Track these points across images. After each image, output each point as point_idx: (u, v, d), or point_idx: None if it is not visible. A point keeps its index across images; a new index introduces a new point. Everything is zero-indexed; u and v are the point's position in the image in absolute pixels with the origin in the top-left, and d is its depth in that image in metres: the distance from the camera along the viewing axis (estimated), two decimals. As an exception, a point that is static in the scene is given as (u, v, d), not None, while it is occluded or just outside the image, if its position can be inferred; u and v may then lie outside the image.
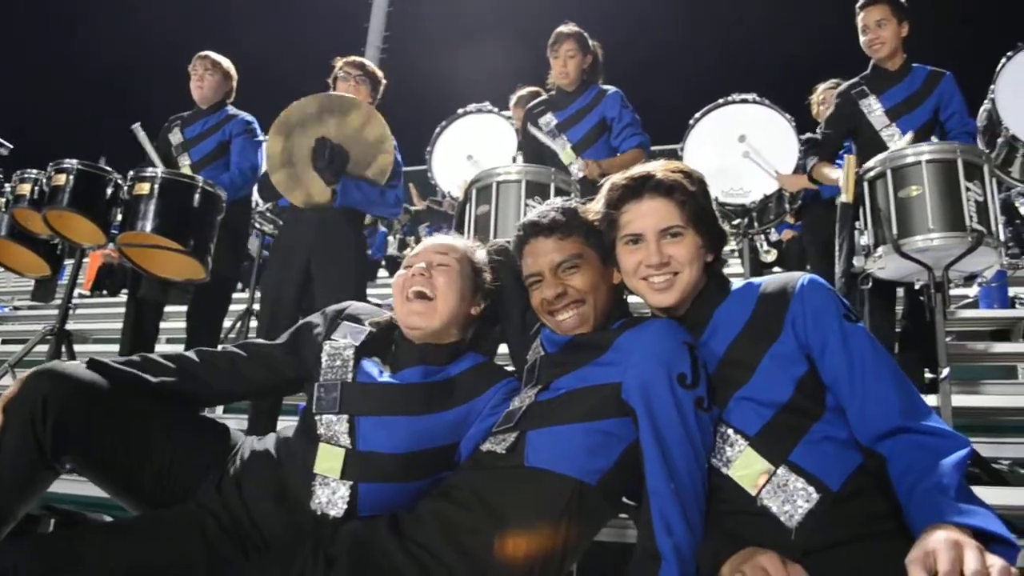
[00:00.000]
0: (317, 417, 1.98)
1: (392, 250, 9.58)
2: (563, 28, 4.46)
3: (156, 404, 1.96)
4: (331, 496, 1.88)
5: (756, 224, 5.33)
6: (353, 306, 2.23)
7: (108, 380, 1.88)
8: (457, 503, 1.74)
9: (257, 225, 6.20)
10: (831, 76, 5.58)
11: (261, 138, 4.84)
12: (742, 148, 4.94)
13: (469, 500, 1.73)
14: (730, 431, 1.67)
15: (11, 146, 4.99)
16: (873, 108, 4.17)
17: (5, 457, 1.74)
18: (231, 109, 4.93)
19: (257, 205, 5.79)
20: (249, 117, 4.89)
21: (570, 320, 1.92)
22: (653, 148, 4.64)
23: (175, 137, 4.87)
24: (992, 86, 4.66)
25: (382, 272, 9.45)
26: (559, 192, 3.68)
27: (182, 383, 2.03)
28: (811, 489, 1.55)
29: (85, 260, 4.68)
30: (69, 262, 4.73)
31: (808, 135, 4.77)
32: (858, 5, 4.23)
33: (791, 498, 1.56)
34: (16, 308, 9.53)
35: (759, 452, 1.62)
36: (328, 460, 1.91)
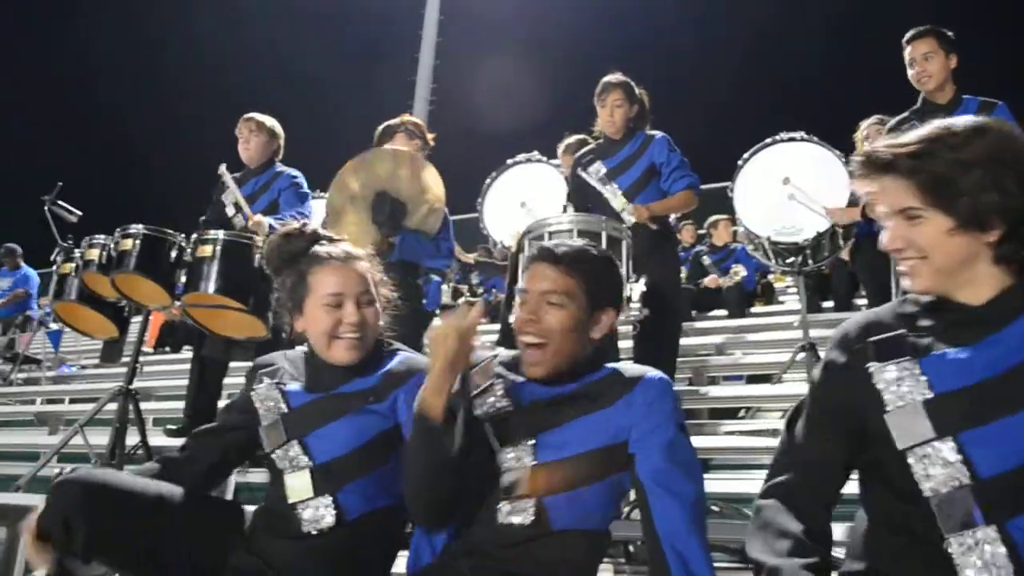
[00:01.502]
0: (272, 456, 2.09)
1: (446, 299, 9.65)
2: (610, 78, 4.50)
3: (165, 505, 2.05)
4: (315, 514, 2.00)
5: (811, 262, 5.29)
6: (261, 358, 2.32)
7: (117, 492, 1.98)
8: None
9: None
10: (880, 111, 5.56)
11: (307, 191, 4.95)
12: (788, 190, 4.93)
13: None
14: None
15: (80, 213, 5.17)
16: None
17: None
18: (279, 166, 5.03)
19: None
20: (295, 172, 4.98)
21: (531, 355, 1.90)
22: (704, 187, 4.65)
23: (228, 197, 5.00)
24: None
25: (437, 322, 9.50)
26: (611, 240, 3.71)
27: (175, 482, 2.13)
28: None
29: (150, 319, 4.80)
30: (136, 319, 4.87)
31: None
32: (904, 39, 4.22)
33: None
34: (83, 367, 9.80)
35: None
36: (297, 485, 2.03)
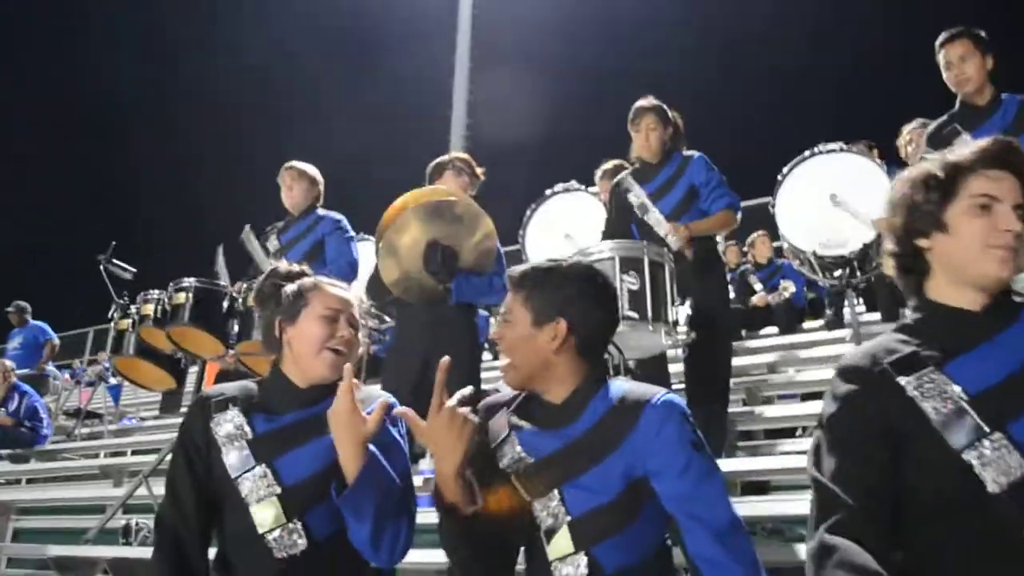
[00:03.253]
0: (237, 483, 2.08)
1: (492, 331, 9.70)
2: (642, 102, 4.49)
3: None
4: (286, 539, 2.03)
5: (859, 274, 5.22)
6: (207, 390, 2.29)
7: None
8: None
9: (361, 321, 6.38)
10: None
11: (351, 234, 5.04)
12: (832, 203, 4.87)
13: None
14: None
15: (134, 270, 5.32)
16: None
17: None
18: (321, 211, 5.15)
19: (362, 302, 5.98)
20: (338, 215, 5.08)
21: (503, 371, 1.95)
22: (745, 204, 4.62)
23: (272, 244, 5.12)
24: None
25: (486, 356, 9.53)
26: (653, 264, 3.70)
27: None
28: None
29: (206, 369, 4.92)
30: (193, 369, 4.99)
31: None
32: (938, 42, 4.15)
33: None
34: (144, 419, 9.99)
35: None
36: (266, 514, 2.04)
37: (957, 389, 1.53)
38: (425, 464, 4.68)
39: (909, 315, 1.71)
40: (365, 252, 5.15)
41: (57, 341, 10.74)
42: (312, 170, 5.20)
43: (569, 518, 1.79)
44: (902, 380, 1.57)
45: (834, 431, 1.62)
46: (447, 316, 4.01)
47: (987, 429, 1.49)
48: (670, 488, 1.76)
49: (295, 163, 5.18)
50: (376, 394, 2.28)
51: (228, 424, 2.15)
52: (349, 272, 4.93)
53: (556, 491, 1.81)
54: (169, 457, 2.29)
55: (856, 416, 1.60)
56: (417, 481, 4.38)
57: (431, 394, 3.68)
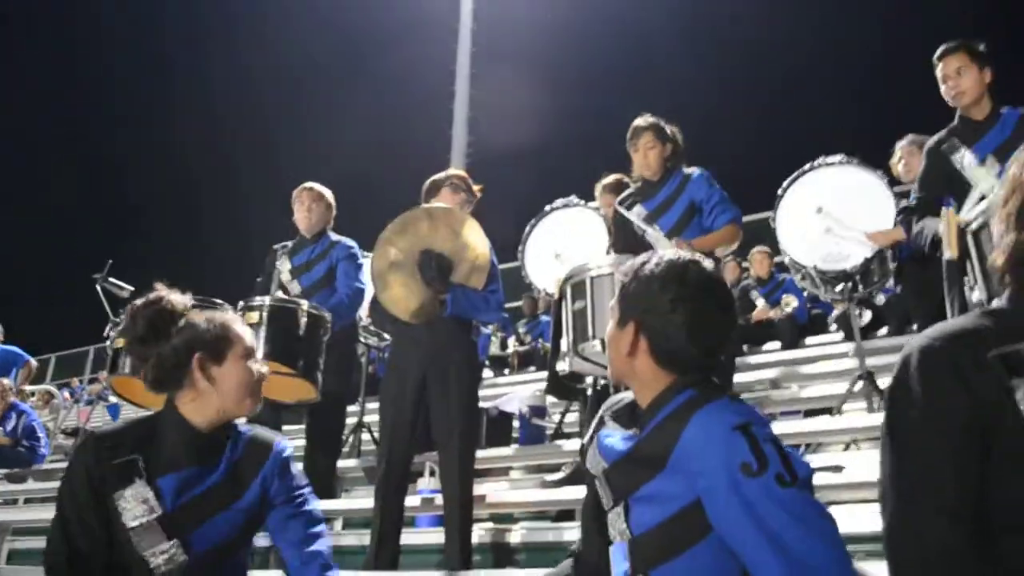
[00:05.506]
0: (144, 556, 2.01)
1: (495, 350, 9.66)
2: (639, 121, 4.48)
3: None
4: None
5: (861, 288, 5.19)
6: (100, 432, 2.18)
7: None
8: None
9: (362, 339, 6.36)
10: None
11: (361, 260, 5.03)
12: (823, 219, 4.86)
13: None
14: None
15: (131, 288, 5.30)
16: (967, 161, 3.96)
17: None
18: (333, 236, 5.17)
19: (361, 320, 5.96)
20: (351, 242, 5.11)
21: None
22: (746, 219, 4.58)
23: (283, 265, 5.10)
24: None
25: (487, 372, 9.52)
26: (653, 280, 3.67)
27: None
28: None
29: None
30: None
31: (903, 204, 4.45)
32: (935, 56, 4.11)
33: None
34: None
35: None
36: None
37: None
38: (423, 484, 4.65)
39: (999, 307, 1.47)
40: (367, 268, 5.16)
41: (35, 364, 10.55)
42: (329, 193, 5.24)
43: (631, 535, 1.67)
44: (1018, 381, 1.30)
45: (925, 409, 1.37)
46: (444, 334, 3.96)
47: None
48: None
49: (314, 184, 5.20)
50: (269, 436, 2.27)
51: (135, 503, 2.03)
52: (359, 300, 4.95)
53: (622, 503, 1.70)
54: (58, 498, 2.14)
55: (951, 400, 1.35)
56: (415, 501, 4.39)
57: (430, 412, 3.64)
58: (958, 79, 4.01)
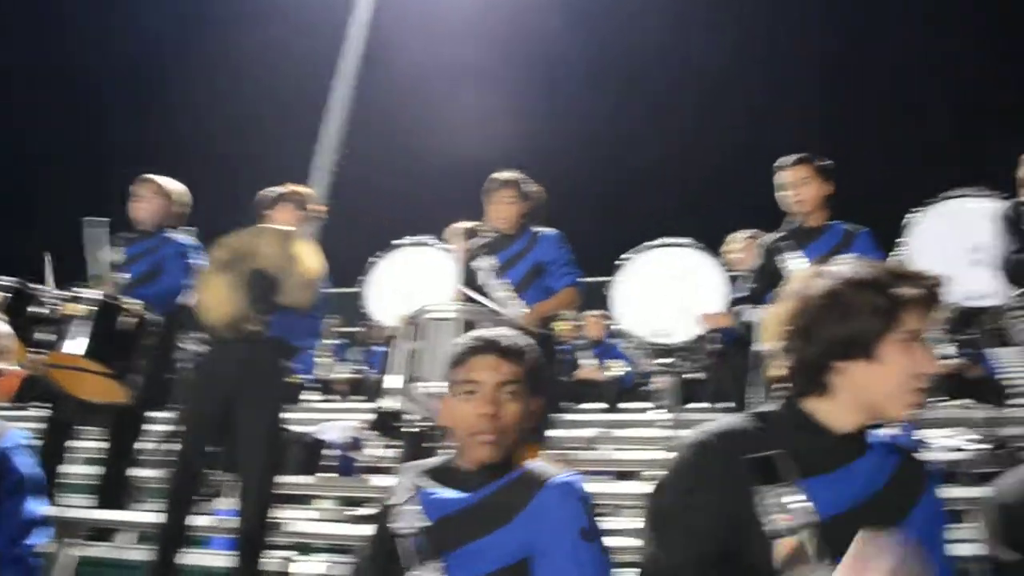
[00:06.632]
0: None
1: (323, 373, 9.48)
2: (500, 175, 4.58)
3: None
4: None
5: (684, 364, 5.48)
6: None
7: None
8: None
9: (182, 345, 6.12)
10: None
11: (192, 261, 4.82)
12: (670, 293, 5.12)
13: None
14: None
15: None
16: (793, 263, 4.22)
17: None
18: (169, 232, 4.91)
19: (183, 326, 5.76)
20: (184, 240, 4.87)
21: (483, 452, 1.86)
22: (586, 280, 4.72)
23: (116, 254, 4.83)
24: (902, 240, 4.98)
25: (312, 396, 9.30)
26: (492, 333, 3.73)
27: None
28: None
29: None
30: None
31: (736, 295, 4.74)
32: (780, 163, 4.38)
33: None
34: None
35: None
36: None
37: (808, 508, 1.47)
38: (222, 504, 4.48)
39: (770, 410, 1.69)
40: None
41: None
42: (176, 187, 4.99)
43: None
44: (763, 488, 1.49)
45: (678, 501, 1.60)
46: (261, 354, 3.87)
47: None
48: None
49: (154, 177, 4.94)
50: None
51: None
52: (179, 297, 4.70)
53: (440, 559, 1.77)
54: None
55: (706, 498, 1.57)
56: (211, 521, 4.22)
57: (235, 432, 3.53)
58: (800, 188, 4.29)
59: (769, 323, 3.70)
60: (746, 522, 1.49)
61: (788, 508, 1.46)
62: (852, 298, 1.59)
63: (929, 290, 1.60)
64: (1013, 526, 1.65)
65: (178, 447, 3.86)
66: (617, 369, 7.83)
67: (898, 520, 1.56)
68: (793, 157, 4.37)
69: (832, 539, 1.43)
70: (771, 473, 1.49)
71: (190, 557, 3.91)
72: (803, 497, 1.47)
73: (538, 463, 1.91)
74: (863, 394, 1.59)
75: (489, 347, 1.90)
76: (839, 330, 1.58)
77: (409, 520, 1.84)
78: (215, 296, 3.86)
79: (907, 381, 1.56)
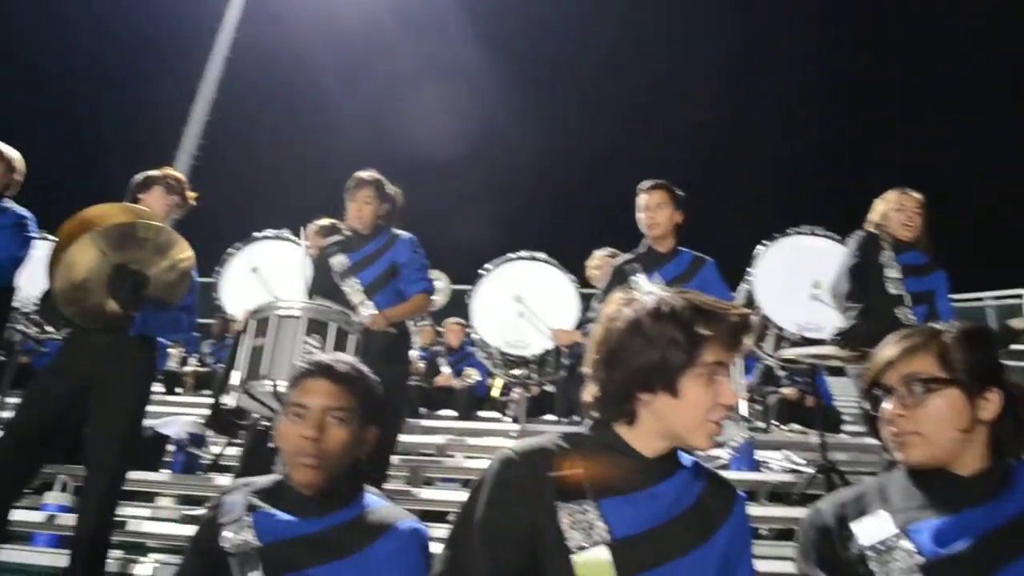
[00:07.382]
0: None
1: (172, 365, 9.12)
2: (362, 174, 4.54)
3: None
4: None
5: (535, 376, 5.57)
6: None
7: None
8: None
9: (20, 327, 5.77)
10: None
11: (32, 235, 4.53)
12: (519, 307, 5.20)
13: None
14: None
15: None
16: (641, 285, 4.35)
17: None
18: (6, 202, 4.60)
19: (22, 306, 5.42)
20: (23, 212, 4.56)
21: (306, 475, 1.86)
22: (455, 288, 4.77)
23: None
24: (751, 270, 5.20)
25: (159, 388, 8.94)
26: (340, 332, 3.68)
27: None
28: None
29: None
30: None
31: (591, 313, 4.78)
32: (640, 186, 4.53)
33: None
34: None
35: None
36: None
37: (604, 527, 1.53)
38: (51, 498, 4.25)
39: (582, 432, 1.72)
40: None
41: None
42: (10, 153, 4.61)
43: None
44: (560, 504, 1.55)
45: (488, 507, 1.61)
46: (122, 344, 3.68)
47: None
48: None
49: None
50: None
51: None
52: (13, 268, 4.40)
53: None
54: None
55: (511, 504, 1.59)
56: (39, 517, 3.99)
57: (83, 421, 3.34)
58: (655, 211, 4.46)
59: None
60: (546, 537, 1.54)
61: (583, 526, 1.52)
62: (652, 330, 1.61)
63: (732, 325, 1.62)
64: (822, 546, 1.71)
65: (6, 434, 3.60)
66: (473, 378, 7.88)
67: (700, 542, 1.61)
68: (651, 182, 4.54)
69: (631, 559, 1.50)
70: (571, 491, 1.54)
71: (8, 554, 3.71)
72: (598, 515, 1.53)
73: (379, 500, 1.96)
74: (665, 424, 1.61)
75: (322, 371, 1.92)
76: (640, 361, 1.60)
77: (243, 538, 1.83)
78: (71, 282, 3.54)
79: (706, 414, 1.59)
